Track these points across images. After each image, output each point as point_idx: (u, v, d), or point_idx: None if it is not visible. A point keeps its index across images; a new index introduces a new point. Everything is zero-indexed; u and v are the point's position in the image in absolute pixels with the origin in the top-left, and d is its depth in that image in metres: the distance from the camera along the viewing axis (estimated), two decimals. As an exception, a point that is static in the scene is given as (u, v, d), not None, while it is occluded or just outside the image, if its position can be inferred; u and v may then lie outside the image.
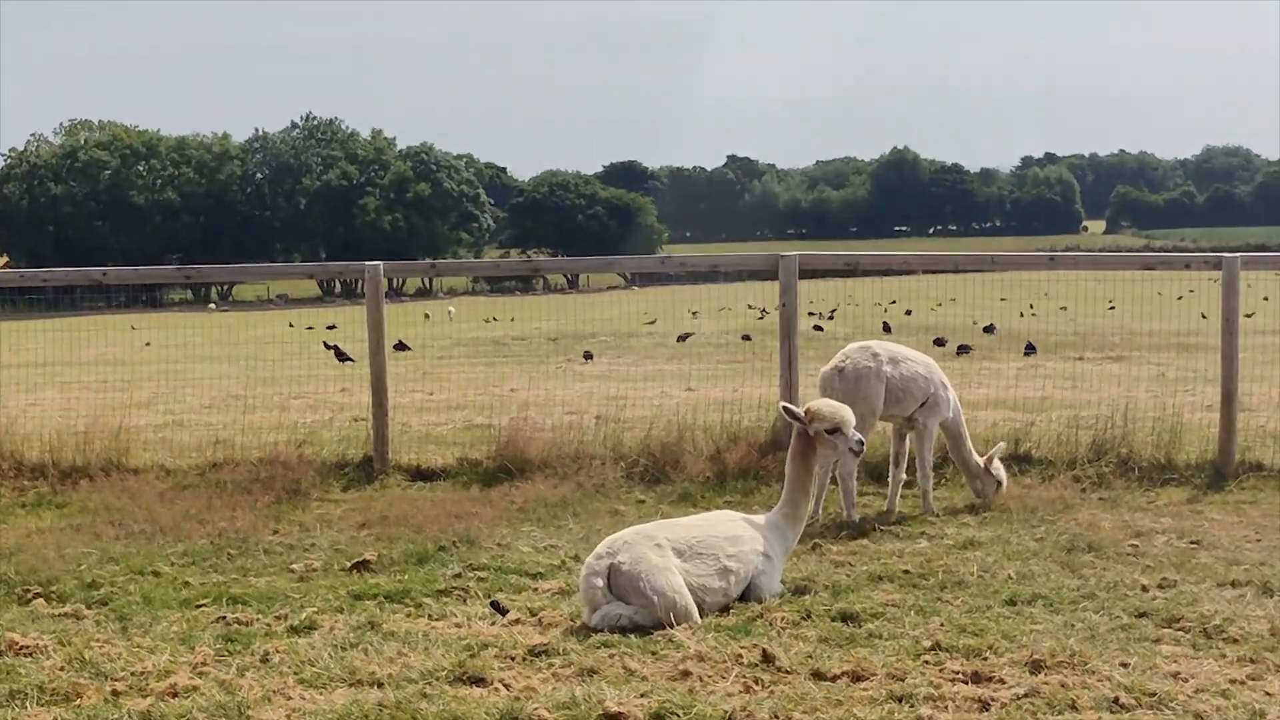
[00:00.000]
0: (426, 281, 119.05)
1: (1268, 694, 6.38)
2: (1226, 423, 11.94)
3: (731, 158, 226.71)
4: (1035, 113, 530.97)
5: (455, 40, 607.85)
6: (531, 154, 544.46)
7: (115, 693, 6.62)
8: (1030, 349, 26.28)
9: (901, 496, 11.09)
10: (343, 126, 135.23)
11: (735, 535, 8.16)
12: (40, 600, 8.46)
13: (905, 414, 10.71)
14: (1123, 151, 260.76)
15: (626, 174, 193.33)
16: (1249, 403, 16.21)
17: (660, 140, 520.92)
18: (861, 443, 8.80)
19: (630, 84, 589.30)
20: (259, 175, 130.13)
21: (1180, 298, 42.33)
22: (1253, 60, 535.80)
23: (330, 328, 45.59)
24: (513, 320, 50.52)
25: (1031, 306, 47.63)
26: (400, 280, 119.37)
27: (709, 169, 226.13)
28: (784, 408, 8.75)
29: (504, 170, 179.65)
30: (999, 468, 10.84)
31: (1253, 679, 6.58)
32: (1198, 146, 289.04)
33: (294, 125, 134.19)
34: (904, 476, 11.07)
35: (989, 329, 32.42)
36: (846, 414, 8.68)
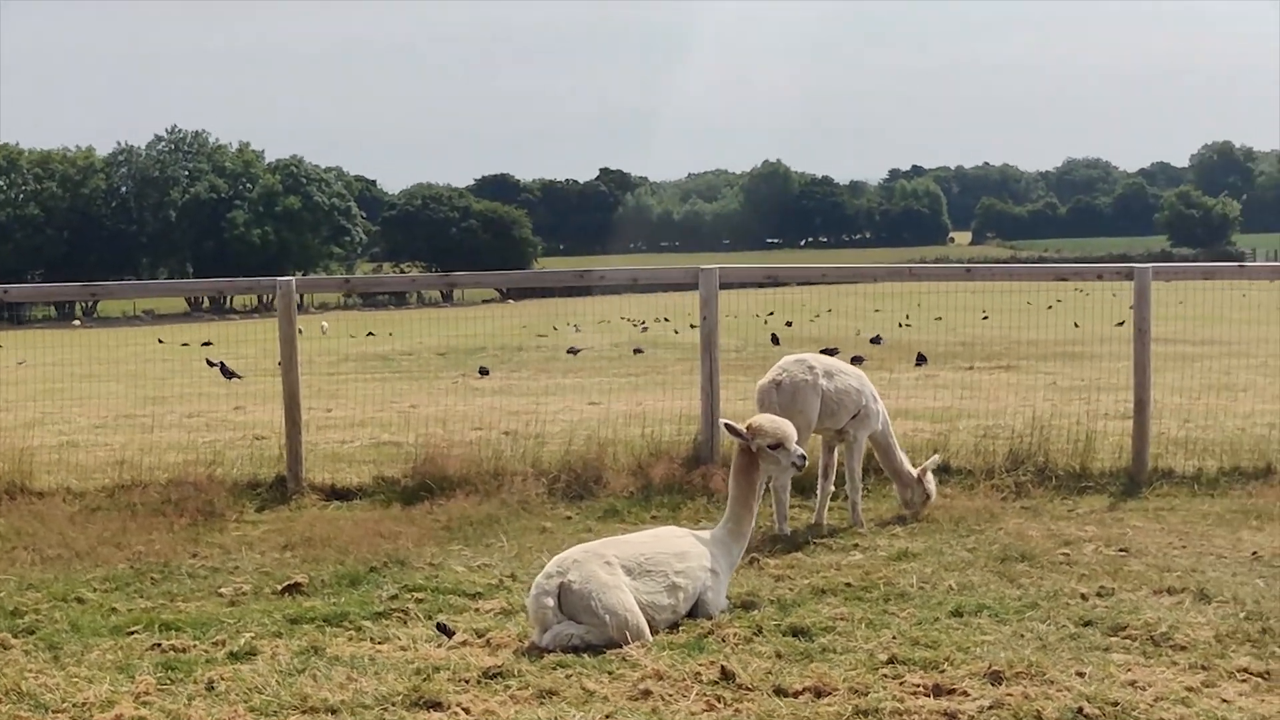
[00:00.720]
0: (300, 297, 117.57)
1: (1224, 700, 6.45)
2: (1139, 430, 12.15)
3: (604, 170, 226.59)
4: (902, 126, 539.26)
5: (323, 52, 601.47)
6: (400, 167, 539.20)
7: (58, 725, 6.39)
8: (921, 359, 26.58)
9: (829, 509, 11.10)
10: (209, 139, 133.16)
11: (683, 551, 8.10)
12: (-39, 630, 8.14)
13: (838, 426, 10.74)
14: (986, 164, 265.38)
15: (498, 187, 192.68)
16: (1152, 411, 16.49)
17: (531, 153, 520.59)
18: (803, 457, 8.78)
19: (500, 96, 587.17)
20: (124, 189, 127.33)
21: (1050, 307, 43.22)
22: (1111, 76, 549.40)
23: (206, 344, 44.79)
24: (391, 335, 49.92)
25: (908, 316, 48.16)
26: (269, 295, 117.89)
27: (581, 181, 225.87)
28: (726, 424, 8.70)
29: (374, 183, 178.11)
30: (930, 480, 10.92)
31: (1208, 686, 6.64)
32: (1059, 159, 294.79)
33: (159, 138, 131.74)
34: (832, 489, 11.09)
35: (876, 340, 32.74)
36: (789, 429, 8.67)
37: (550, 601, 7.55)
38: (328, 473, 12.99)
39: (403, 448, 15.04)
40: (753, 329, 44.12)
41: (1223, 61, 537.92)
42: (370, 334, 52.41)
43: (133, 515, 11.27)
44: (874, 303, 54.36)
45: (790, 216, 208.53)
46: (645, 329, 46.22)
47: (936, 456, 11.15)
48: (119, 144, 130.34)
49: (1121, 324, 38.88)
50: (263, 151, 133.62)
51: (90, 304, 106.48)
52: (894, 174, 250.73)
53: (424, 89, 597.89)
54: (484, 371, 25.85)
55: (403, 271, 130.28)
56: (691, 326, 46.25)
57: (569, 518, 11.19)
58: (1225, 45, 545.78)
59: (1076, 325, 38.42)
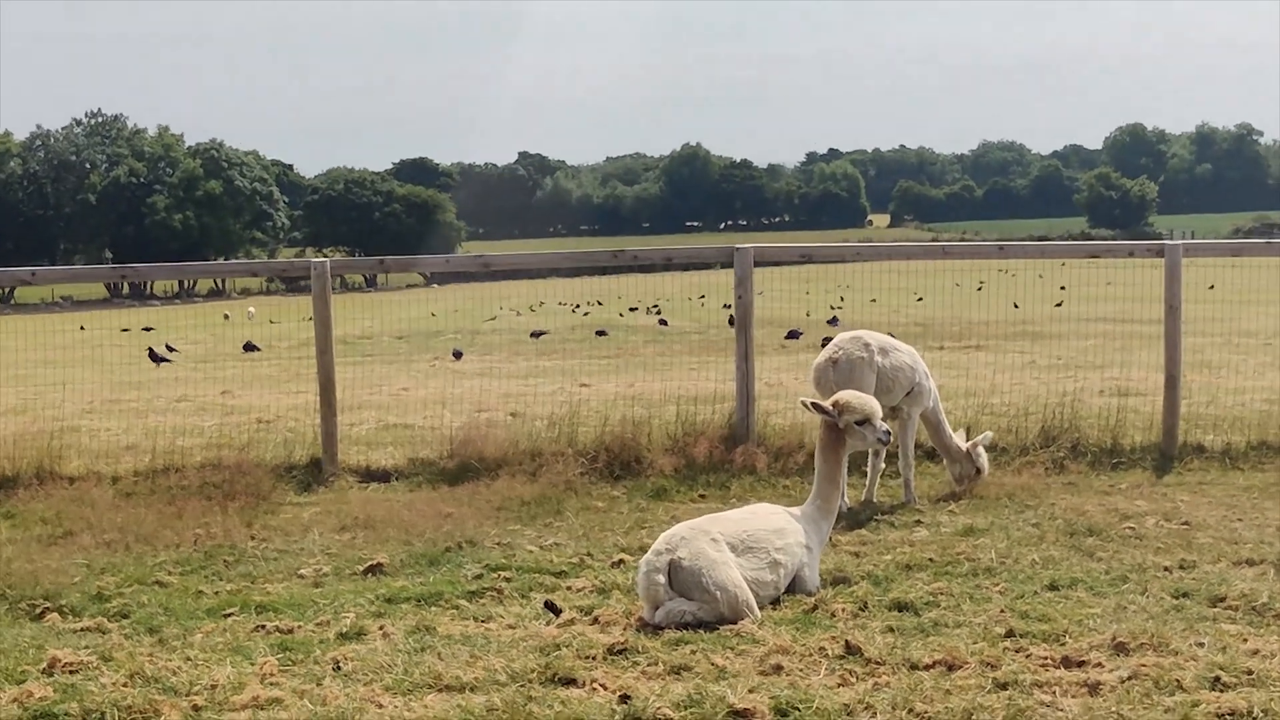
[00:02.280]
0: (219, 282, 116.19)
1: (1349, 668, 6.57)
2: (1170, 406, 12.35)
3: (523, 154, 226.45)
4: (819, 109, 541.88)
5: (239, 35, 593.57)
6: (316, 151, 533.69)
7: (196, 708, 6.32)
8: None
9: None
10: (128, 123, 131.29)
11: (780, 528, 8.14)
12: (55, 615, 8.03)
13: (892, 403, 10.82)
14: (903, 147, 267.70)
15: (417, 171, 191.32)
16: (1140, 388, 16.79)
17: (449, 137, 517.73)
18: (889, 433, 8.85)
19: (417, 80, 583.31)
20: (40, 174, 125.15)
21: (979, 288, 43.68)
22: (1023, 59, 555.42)
23: (147, 329, 44.25)
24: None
25: (841, 299, 48.53)
26: (192, 281, 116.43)
27: (500, 165, 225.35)
28: (813, 403, 8.72)
29: (290, 167, 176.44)
30: (982, 455, 11.05)
31: (1325, 653, 6.77)
32: (974, 142, 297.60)
33: (77, 122, 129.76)
34: (883, 466, 11.20)
35: (833, 321, 32.94)
36: (875, 406, 8.74)
37: (661, 579, 7.56)
38: (359, 455, 12.90)
39: (415, 430, 15.04)
40: (699, 309, 44.36)
41: (1133, 45, 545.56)
42: (306, 319, 51.92)
43: (173, 499, 11.13)
44: (803, 285, 54.65)
45: (710, 200, 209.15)
46: (586, 314, 46.29)
47: (988, 433, 11.28)
48: (36, 128, 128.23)
49: (1060, 305, 39.56)
50: (182, 135, 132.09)
51: (7, 291, 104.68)
52: (811, 157, 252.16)
53: (337, 72, 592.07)
54: (458, 354, 25.75)
55: (325, 257, 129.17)
56: (631, 309, 46.64)
57: (616, 497, 11.20)
58: (1135, 29, 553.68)
59: (1016, 306, 38.83)
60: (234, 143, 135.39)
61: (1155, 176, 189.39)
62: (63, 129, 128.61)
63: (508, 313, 47.71)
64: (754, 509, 8.49)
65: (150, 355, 27.62)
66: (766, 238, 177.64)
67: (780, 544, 8.03)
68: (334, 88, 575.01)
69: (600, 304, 53.00)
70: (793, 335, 28.01)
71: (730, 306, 43.32)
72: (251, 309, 69.34)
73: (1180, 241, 12.29)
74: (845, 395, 8.76)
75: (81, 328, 44.72)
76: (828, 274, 61.21)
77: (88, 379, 22.18)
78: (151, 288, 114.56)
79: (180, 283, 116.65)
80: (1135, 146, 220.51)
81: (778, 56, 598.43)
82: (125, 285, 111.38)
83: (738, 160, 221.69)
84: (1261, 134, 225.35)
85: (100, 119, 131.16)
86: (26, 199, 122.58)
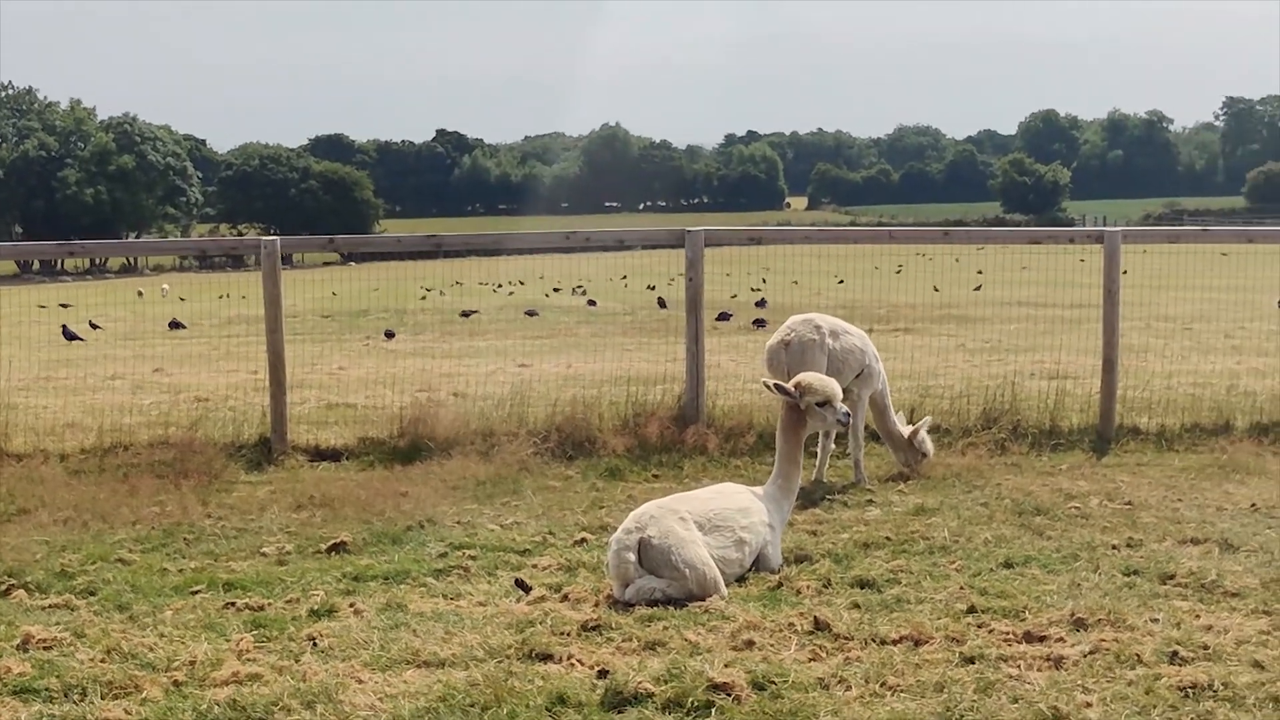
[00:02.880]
0: (131, 259, 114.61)
1: (1299, 643, 6.82)
2: (1107, 389, 12.63)
3: (441, 132, 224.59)
4: (737, 91, 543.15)
5: (151, 7, 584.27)
6: (230, 126, 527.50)
7: (177, 683, 6.38)
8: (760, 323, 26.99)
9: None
10: (39, 96, 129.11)
11: (745, 507, 8.30)
12: (21, 592, 8.03)
13: (842, 385, 10.96)
14: (821, 130, 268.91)
15: (333, 147, 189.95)
16: (1070, 371, 17.12)
17: (365, 114, 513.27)
18: (849, 414, 9.04)
19: (332, 56, 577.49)
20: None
21: (898, 271, 44.17)
22: (945, 44, 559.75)
23: (64, 306, 43.69)
24: (244, 298, 48.91)
25: (763, 280, 48.75)
26: (102, 259, 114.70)
27: (418, 143, 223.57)
28: (775, 384, 8.89)
29: (203, 142, 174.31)
30: (925, 439, 11.26)
31: (1277, 630, 6.98)
32: (890, 126, 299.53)
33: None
34: (833, 447, 11.39)
35: (760, 303, 33.15)
36: (835, 387, 8.91)
37: (631, 556, 7.69)
38: (307, 435, 12.90)
39: (359, 409, 15.06)
40: (619, 290, 44.48)
41: (1048, 32, 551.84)
42: (223, 296, 51.33)
43: (126, 477, 11.12)
44: (723, 267, 54.85)
45: (629, 180, 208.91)
46: (511, 293, 46.27)
47: (928, 418, 11.50)
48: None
49: (979, 288, 40.11)
50: (94, 109, 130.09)
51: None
52: (730, 139, 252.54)
53: (250, 46, 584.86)
54: (390, 334, 25.69)
55: (240, 234, 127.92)
56: (555, 290, 46.63)
57: (571, 477, 11.29)
58: (1049, 17, 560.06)
59: (936, 289, 39.32)
60: (146, 117, 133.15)
61: (1068, 162, 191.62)
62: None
63: (434, 292, 47.55)
64: (720, 488, 8.64)
65: (64, 333, 27.31)
66: (687, 219, 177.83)
67: (745, 523, 8.18)
68: (247, 62, 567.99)
69: (523, 284, 52.93)
70: (723, 317, 28.17)
71: (654, 288, 43.88)
72: (165, 286, 68.56)
73: (1120, 228, 12.59)
74: (807, 377, 8.93)
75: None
76: (746, 255, 61.44)
77: (14, 356, 21.89)
78: (63, 264, 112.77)
79: (92, 259, 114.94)
80: (1048, 133, 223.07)
81: (697, 39, 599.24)
82: (35, 261, 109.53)
83: (657, 141, 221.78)
84: (1172, 121, 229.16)
85: (10, 91, 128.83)
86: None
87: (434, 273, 58.47)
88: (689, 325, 12.64)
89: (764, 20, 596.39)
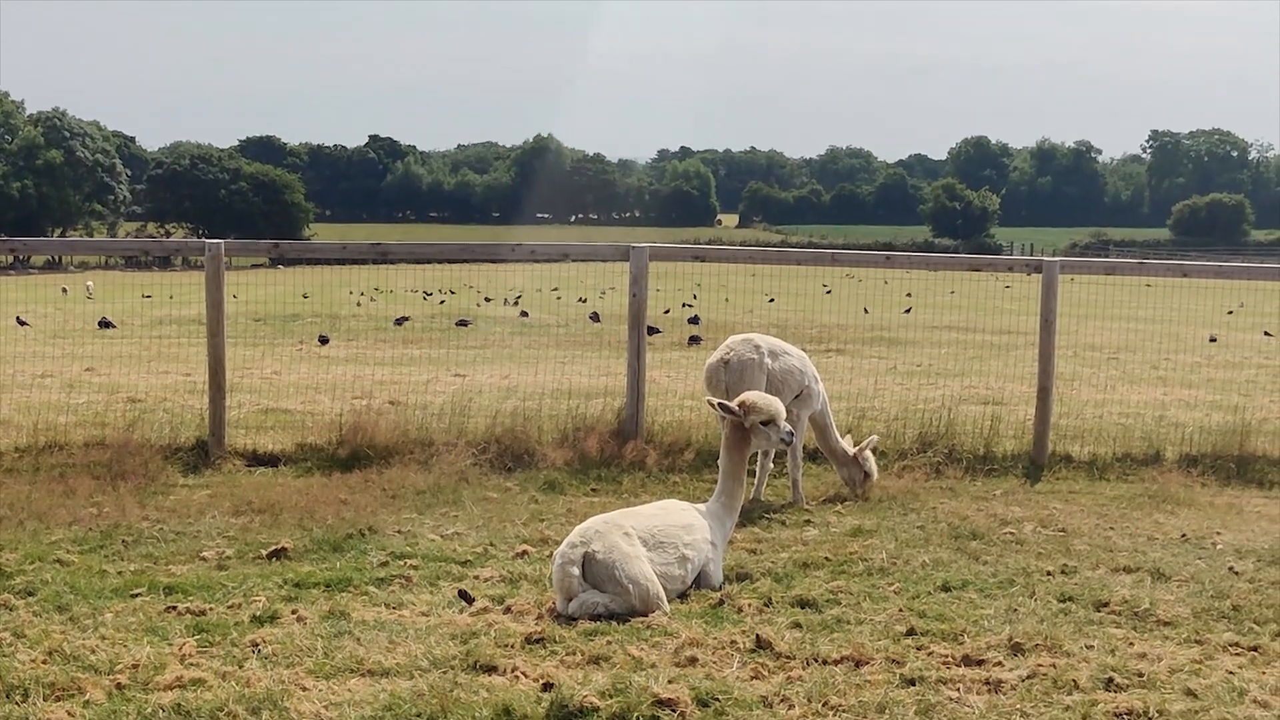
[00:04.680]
0: (55, 255, 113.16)
1: (1230, 672, 6.90)
2: (1041, 416, 12.81)
3: (373, 138, 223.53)
4: (670, 107, 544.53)
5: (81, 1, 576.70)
6: (158, 124, 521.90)
7: (119, 686, 6.36)
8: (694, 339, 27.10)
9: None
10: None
11: (689, 524, 8.36)
12: (-43, 590, 7.95)
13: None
14: (754, 149, 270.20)
15: (264, 148, 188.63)
16: (1000, 397, 17.34)
17: (297, 116, 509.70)
18: (792, 433, 9.13)
19: (265, 57, 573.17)
20: None
21: (828, 291, 44.43)
22: (878, 68, 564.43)
23: None
24: (172, 298, 48.36)
25: (695, 296, 48.86)
26: (24, 255, 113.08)
27: (350, 148, 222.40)
28: (719, 403, 8.97)
29: (132, 139, 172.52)
30: (869, 459, 11.38)
31: (1208, 659, 7.11)
32: (822, 147, 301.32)
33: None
34: (771, 466, 11.48)
35: (694, 320, 33.25)
36: (779, 407, 9.00)
37: (575, 570, 7.73)
38: (244, 439, 12.83)
39: (294, 415, 14.99)
40: (551, 301, 44.49)
41: (979, 59, 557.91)
42: (147, 296, 50.72)
43: (61, 477, 11.03)
44: (655, 282, 55.01)
45: (561, 191, 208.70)
46: (442, 302, 46.10)
47: (874, 438, 11.61)
48: None
49: (909, 311, 40.46)
50: (22, 102, 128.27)
51: None
52: (663, 154, 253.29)
53: (180, 43, 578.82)
54: (324, 340, 25.55)
55: (168, 234, 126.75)
56: (488, 300, 46.57)
57: (510, 489, 11.30)
58: (980, 44, 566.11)
59: (866, 311, 39.57)
60: (76, 112, 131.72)
61: (997, 189, 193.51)
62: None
63: (364, 298, 47.29)
64: (664, 505, 8.69)
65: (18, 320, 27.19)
66: (618, 233, 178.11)
67: (689, 539, 8.25)
68: (177, 59, 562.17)
69: (453, 293, 52.78)
70: (652, 331, 28.24)
71: (586, 301, 43.96)
72: (90, 283, 67.79)
73: (1058, 259, 12.77)
74: (752, 396, 9.01)
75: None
76: (676, 271, 61.59)
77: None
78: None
79: (14, 256, 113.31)
80: (978, 158, 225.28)
81: (632, 53, 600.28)
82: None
83: (590, 154, 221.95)
84: (1100, 151, 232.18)
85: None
86: None
87: (363, 278, 58.23)
88: (630, 341, 12.70)
89: (700, 37, 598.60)
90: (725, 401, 9.01)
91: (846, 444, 11.46)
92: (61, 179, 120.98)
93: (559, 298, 48.23)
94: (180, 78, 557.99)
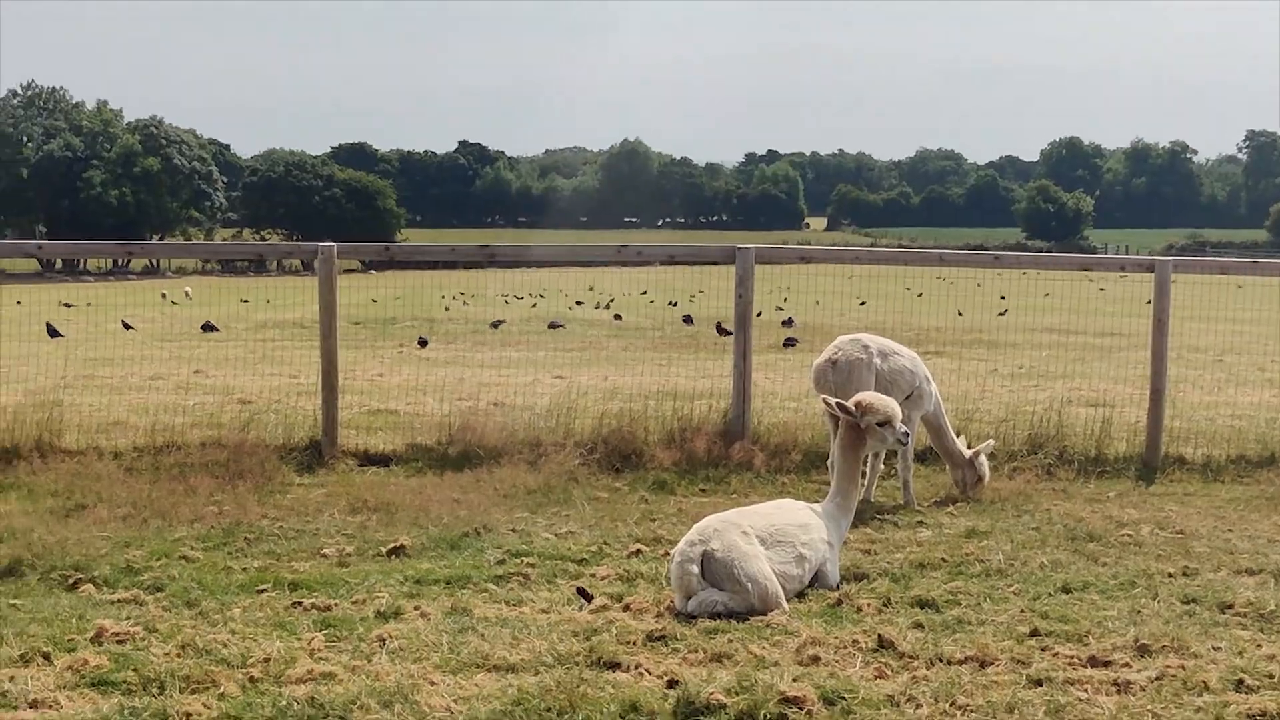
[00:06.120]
0: (154, 260, 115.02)
1: (1366, 676, 6.84)
2: (1154, 418, 12.67)
3: (463, 143, 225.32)
4: (759, 110, 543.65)
5: (175, 8, 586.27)
6: (252, 132, 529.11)
7: (252, 680, 6.45)
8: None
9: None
10: (66, 96, 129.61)
11: (805, 523, 8.35)
12: (89, 586, 8.14)
13: (894, 406, 11.05)
14: (842, 151, 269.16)
15: (356, 155, 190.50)
16: (1108, 399, 17.14)
17: (388, 123, 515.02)
18: (908, 434, 9.11)
19: (356, 64, 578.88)
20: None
21: (919, 295, 44.12)
22: (962, 69, 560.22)
23: (66, 305, 43.98)
24: (269, 302, 48.98)
25: (785, 299, 48.69)
26: (124, 260, 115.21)
27: (440, 154, 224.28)
28: (836, 403, 8.95)
29: (227, 147, 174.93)
30: (984, 462, 11.31)
31: (1340, 662, 7.04)
32: (912, 149, 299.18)
33: (13, 94, 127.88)
34: (882, 468, 11.45)
35: (788, 322, 33.18)
36: (896, 408, 8.98)
37: (695, 569, 7.75)
38: (355, 440, 12.99)
39: (401, 416, 15.15)
40: (642, 305, 44.55)
41: (1071, 59, 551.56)
42: (244, 300, 51.38)
43: (181, 476, 11.23)
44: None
45: (648, 196, 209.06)
46: (534, 305, 46.36)
47: (991, 441, 11.55)
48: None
49: (1004, 314, 40.08)
50: (121, 111, 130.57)
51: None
52: (750, 158, 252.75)
53: (276, 52, 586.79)
54: (423, 342, 25.80)
55: (263, 239, 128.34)
56: (580, 303, 46.70)
57: (619, 489, 11.34)
58: (1073, 44, 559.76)
59: (960, 314, 39.25)
60: (172, 120, 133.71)
61: (1091, 190, 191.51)
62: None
63: (454, 302, 47.61)
64: (780, 504, 8.70)
65: (48, 330, 27.63)
66: (706, 237, 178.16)
67: (805, 539, 8.24)
68: (272, 68, 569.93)
69: (543, 296, 53.01)
70: (724, 333, 28.15)
71: (676, 304, 43.97)
72: (188, 289, 68.94)
73: (1170, 258, 12.64)
74: (868, 397, 8.99)
75: (19, 302, 44.21)
76: (763, 274, 61.45)
77: (49, 354, 22.08)
78: (85, 263, 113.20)
79: (113, 261, 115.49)
80: (1071, 160, 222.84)
81: (719, 57, 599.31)
82: (59, 260, 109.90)
83: (677, 157, 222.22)
84: (1195, 152, 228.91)
85: (35, 90, 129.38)
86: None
87: (451, 282, 58.63)
88: (737, 341, 12.71)
89: (787, 39, 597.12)
90: (841, 401, 8.99)
91: (961, 445, 11.39)
92: (159, 186, 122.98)
93: (651, 301, 48.29)
94: (272, 86, 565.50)
